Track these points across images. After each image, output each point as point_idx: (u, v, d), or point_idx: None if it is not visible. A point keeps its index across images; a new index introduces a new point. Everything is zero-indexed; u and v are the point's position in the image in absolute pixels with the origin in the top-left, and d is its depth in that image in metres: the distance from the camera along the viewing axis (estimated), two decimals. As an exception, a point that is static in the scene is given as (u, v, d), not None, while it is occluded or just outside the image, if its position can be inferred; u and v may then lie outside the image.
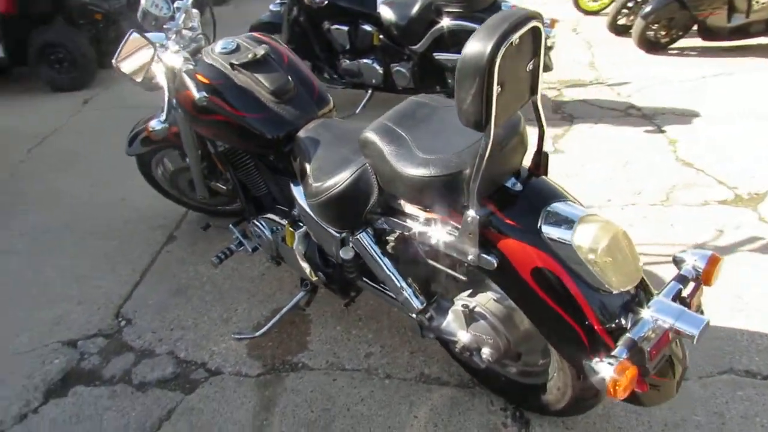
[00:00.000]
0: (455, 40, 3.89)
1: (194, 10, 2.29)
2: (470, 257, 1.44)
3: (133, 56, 1.94)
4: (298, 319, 2.37)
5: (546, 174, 1.52)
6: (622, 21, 5.76)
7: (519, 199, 1.44)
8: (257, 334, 2.24)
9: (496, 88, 1.19)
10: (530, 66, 1.31)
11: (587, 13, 6.80)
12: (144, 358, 2.26)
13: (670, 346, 1.33)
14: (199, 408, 2.01)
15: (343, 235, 1.81)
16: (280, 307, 2.25)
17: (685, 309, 1.28)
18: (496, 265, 1.41)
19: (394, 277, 1.72)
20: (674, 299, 1.33)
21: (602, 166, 3.33)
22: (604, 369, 1.23)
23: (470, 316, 1.63)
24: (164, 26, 2.13)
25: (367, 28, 4.21)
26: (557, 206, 1.39)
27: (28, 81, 5.69)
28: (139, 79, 1.98)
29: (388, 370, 2.09)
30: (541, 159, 1.49)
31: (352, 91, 4.50)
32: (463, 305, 1.62)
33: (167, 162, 2.81)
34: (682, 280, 1.38)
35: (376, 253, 1.72)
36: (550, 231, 1.35)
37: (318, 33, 4.47)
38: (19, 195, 3.57)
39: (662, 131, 3.72)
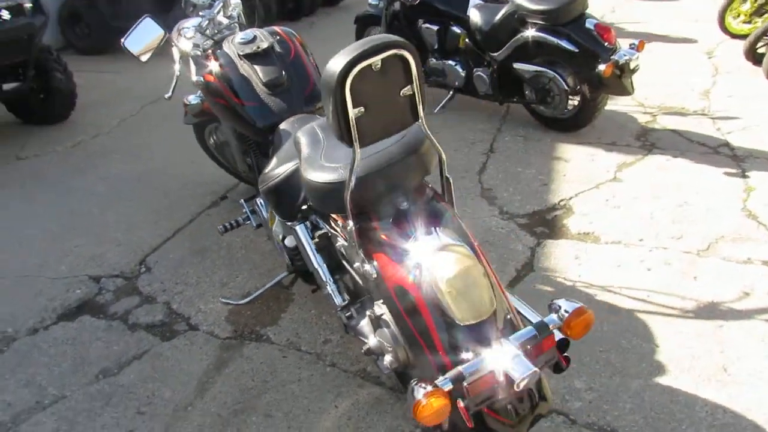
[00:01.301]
0: (536, 52, 3.80)
1: (236, 1, 2.52)
2: (356, 264, 1.51)
3: (143, 38, 2.19)
4: (283, 296, 2.54)
5: (448, 200, 1.53)
6: (762, 48, 5.18)
7: (400, 216, 1.48)
8: (241, 302, 2.45)
9: (355, 109, 1.25)
10: (405, 92, 1.34)
11: (734, 36, 6.15)
12: (145, 303, 2.56)
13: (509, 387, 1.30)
14: (166, 355, 2.27)
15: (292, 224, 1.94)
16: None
17: (520, 354, 1.26)
18: (375, 275, 1.47)
19: (321, 271, 1.82)
20: (527, 344, 1.30)
21: (655, 203, 3.11)
22: (417, 392, 1.25)
23: (376, 322, 1.69)
24: (200, 13, 2.37)
25: (456, 29, 4.23)
26: (428, 230, 1.41)
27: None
28: (144, 59, 2.24)
29: (336, 360, 2.19)
30: (442, 183, 1.51)
31: (438, 90, 4.56)
32: (370, 311, 1.68)
33: (218, 134, 3.10)
34: (541, 327, 1.34)
35: (308, 245, 1.83)
36: (413, 252, 1.38)
37: (412, 30, 4.57)
38: (117, 144, 4.10)
39: (745, 176, 3.37)
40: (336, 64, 1.24)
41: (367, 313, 1.69)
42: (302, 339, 2.30)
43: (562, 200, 3.20)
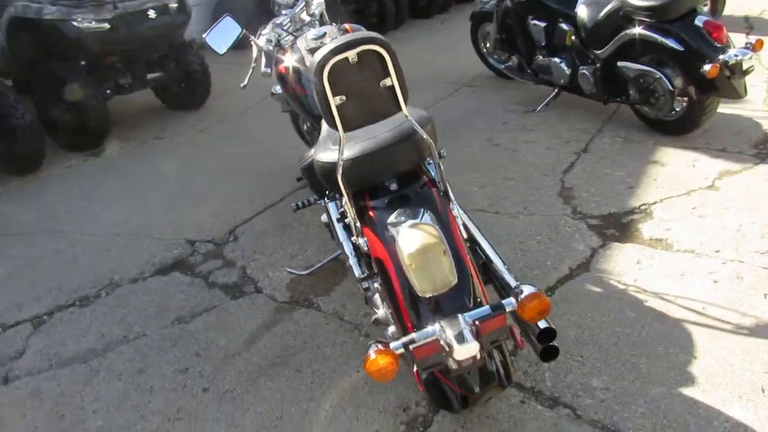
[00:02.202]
0: (641, 50, 3.65)
1: (319, 0, 2.77)
2: (354, 238, 1.68)
3: (223, 34, 2.49)
4: (340, 271, 2.76)
5: (442, 186, 1.64)
6: None
7: (388, 197, 1.61)
8: (303, 272, 2.71)
9: (336, 97, 1.42)
10: (385, 83, 1.47)
11: None
12: (225, 266, 2.92)
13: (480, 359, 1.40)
14: (230, 311, 2.59)
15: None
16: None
17: (466, 328, 1.34)
18: (366, 249, 1.62)
19: (344, 245, 2.00)
20: (478, 321, 1.39)
21: (747, 215, 2.88)
22: (370, 349, 1.39)
23: (382, 294, 1.84)
24: (283, 11, 2.65)
25: (564, 26, 4.18)
26: (407, 210, 1.53)
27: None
28: (221, 52, 2.54)
29: (370, 331, 2.37)
30: (435, 170, 1.62)
31: (544, 88, 4.53)
32: (379, 283, 1.84)
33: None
34: (495, 307, 1.42)
35: (334, 221, 2.02)
36: (391, 229, 1.51)
37: (522, 26, 4.57)
38: (238, 130, 4.60)
39: None
40: (317, 56, 1.42)
41: (375, 285, 1.85)
42: (346, 310, 2.51)
43: (643, 204, 3.08)
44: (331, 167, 1.64)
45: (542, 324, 1.72)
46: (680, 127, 3.75)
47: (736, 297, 2.34)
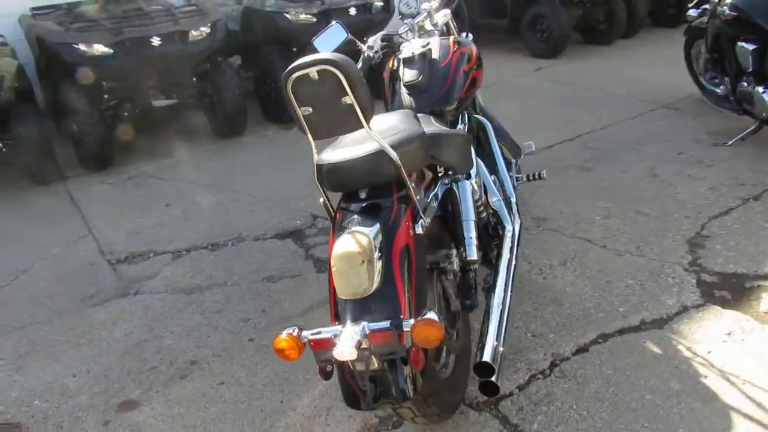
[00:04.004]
0: None
1: (445, 11, 2.88)
2: (336, 234, 1.84)
3: (330, 39, 2.71)
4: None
5: (407, 202, 1.70)
6: None
7: (354, 204, 1.73)
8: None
9: (302, 108, 1.59)
10: (345, 100, 1.57)
11: None
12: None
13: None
14: (308, 282, 2.91)
15: None
16: None
17: (355, 337, 1.43)
18: None
19: None
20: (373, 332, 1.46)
21: None
22: (283, 331, 1.54)
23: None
24: (405, 21, 2.82)
25: (775, 52, 3.59)
26: (360, 219, 1.64)
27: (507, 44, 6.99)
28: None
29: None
30: (403, 185, 1.69)
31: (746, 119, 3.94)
32: None
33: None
34: (394, 325, 1.46)
35: None
36: (338, 232, 1.64)
37: (730, 46, 4.02)
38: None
39: None
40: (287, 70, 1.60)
41: None
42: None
43: (787, 273, 2.59)
44: (318, 168, 1.81)
45: (484, 357, 1.70)
46: None
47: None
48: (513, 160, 2.95)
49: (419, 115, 2.32)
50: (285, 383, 2.26)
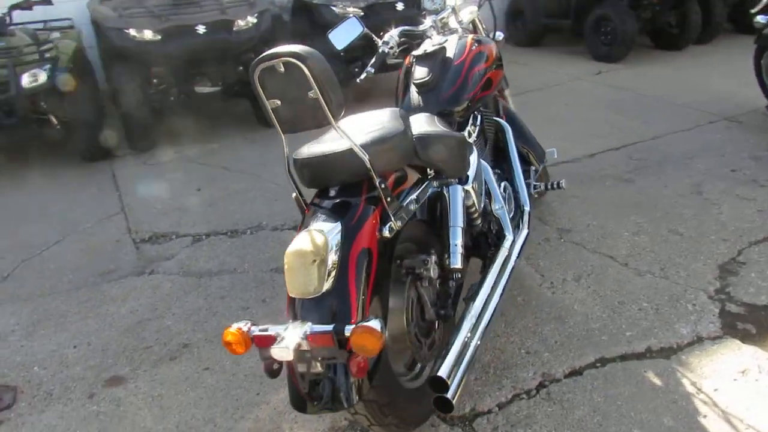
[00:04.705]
0: None
1: (472, 7, 2.77)
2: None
3: (345, 33, 2.65)
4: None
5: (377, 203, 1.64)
6: None
7: (323, 200, 1.68)
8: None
9: (270, 100, 1.56)
10: (311, 95, 1.52)
11: None
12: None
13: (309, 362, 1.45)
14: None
15: None
16: None
17: (296, 338, 1.39)
18: None
19: None
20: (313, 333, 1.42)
21: None
22: (238, 323, 1.51)
23: None
24: (428, 16, 2.73)
25: None
26: (322, 217, 1.59)
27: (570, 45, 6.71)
28: (339, 48, 2.70)
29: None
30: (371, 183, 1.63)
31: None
32: None
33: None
34: (336, 329, 1.40)
35: None
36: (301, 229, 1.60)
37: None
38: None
39: None
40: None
41: None
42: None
43: (824, 310, 2.35)
44: (294, 162, 1.77)
45: (440, 371, 1.62)
46: None
47: None
48: (533, 167, 2.82)
49: (421, 114, 2.24)
50: (266, 376, 2.24)
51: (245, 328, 1.50)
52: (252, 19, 4.57)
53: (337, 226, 1.58)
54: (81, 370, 2.37)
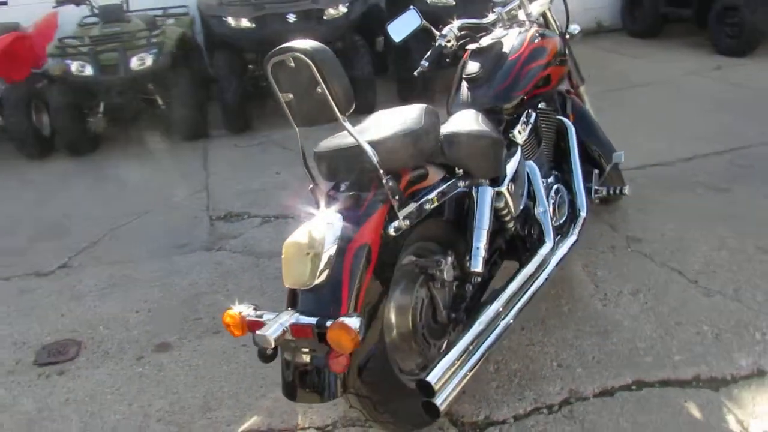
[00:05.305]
0: None
1: (543, 1, 2.63)
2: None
3: (404, 25, 2.58)
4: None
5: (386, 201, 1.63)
6: None
7: (334, 193, 1.68)
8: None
9: (283, 94, 1.58)
10: (319, 90, 1.51)
11: None
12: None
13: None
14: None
15: None
16: None
17: (282, 326, 1.41)
18: None
19: None
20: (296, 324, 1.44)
21: None
22: (239, 305, 1.57)
23: None
24: (493, 9, 2.62)
25: None
26: (329, 210, 1.60)
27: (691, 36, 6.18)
28: (397, 40, 2.63)
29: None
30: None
31: None
32: None
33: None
34: (318, 323, 1.41)
35: None
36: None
37: None
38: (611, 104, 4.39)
39: None
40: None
41: None
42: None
43: None
44: (314, 154, 1.78)
45: (428, 376, 1.58)
46: None
47: None
48: (596, 171, 2.65)
49: (464, 111, 2.18)
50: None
51: (245, 312, 1.56)
52: (343, 8, 4.66)
53: (339, 220, 1.58)
54: (137, 333, 2.58)
